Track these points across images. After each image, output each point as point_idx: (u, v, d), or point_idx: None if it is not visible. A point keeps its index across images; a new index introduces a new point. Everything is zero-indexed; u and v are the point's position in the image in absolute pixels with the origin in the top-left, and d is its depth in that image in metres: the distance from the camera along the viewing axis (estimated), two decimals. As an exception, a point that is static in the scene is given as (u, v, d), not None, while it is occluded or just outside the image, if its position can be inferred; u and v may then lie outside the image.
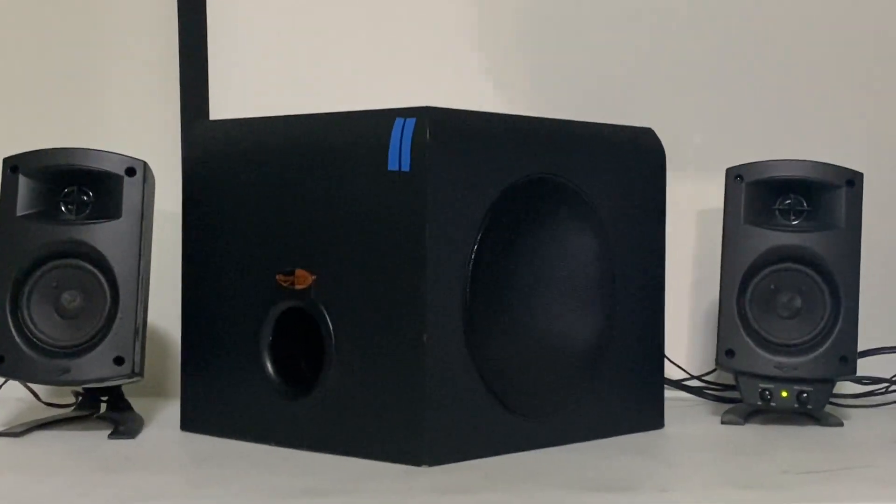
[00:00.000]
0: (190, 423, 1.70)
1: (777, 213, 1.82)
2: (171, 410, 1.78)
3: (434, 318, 1.49)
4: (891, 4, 2.07)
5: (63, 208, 1.67)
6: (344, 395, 1.55)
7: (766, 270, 1.80)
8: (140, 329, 1.64)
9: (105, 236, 1.64)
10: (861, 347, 1.81)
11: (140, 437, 1.67)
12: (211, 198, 1.68)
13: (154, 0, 1.99)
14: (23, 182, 1.65)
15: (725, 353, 1.79)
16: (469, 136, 1.54)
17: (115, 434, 1.66)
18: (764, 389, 1.79)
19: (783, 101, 2.07)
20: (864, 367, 1.90)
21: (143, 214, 1.65)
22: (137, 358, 1.63)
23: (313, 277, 1.58)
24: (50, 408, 1.76)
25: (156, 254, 1.69)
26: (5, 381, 1.72)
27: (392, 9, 2.03)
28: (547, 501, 1.37)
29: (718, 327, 1.80)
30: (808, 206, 1.81)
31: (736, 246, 1.80)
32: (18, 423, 1.70)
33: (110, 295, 1.64)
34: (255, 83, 2.00)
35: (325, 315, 1.56)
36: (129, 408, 1.73)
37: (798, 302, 1.80)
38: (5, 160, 1.66)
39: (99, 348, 1.63)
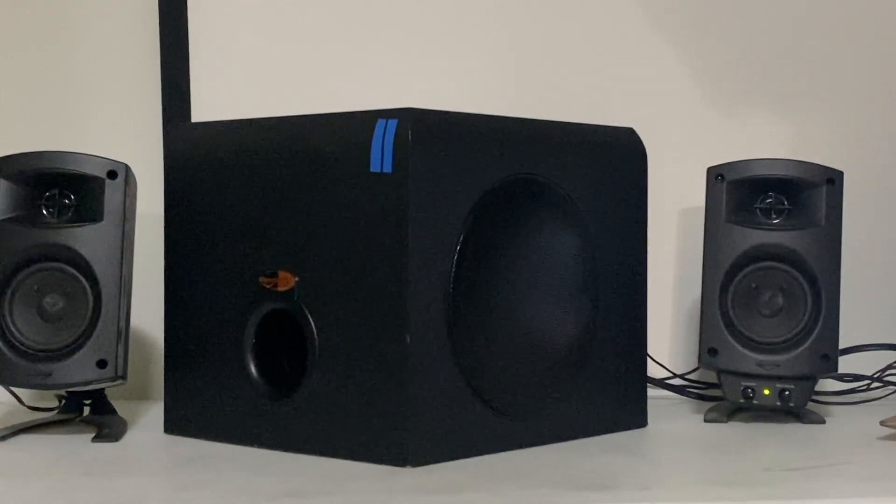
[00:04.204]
0: (173, 425, 1.70)
1: (758, 211, 1.82)
2: (155, 413, 1.77)
3: (417, 319, 1.49)
4: (871, 4, 2.08)
5: (44, 212, 1.67)
6: (327, 397, 1.55)
7: (748, 269, 1.80)
8: (123, 332, 1.64)
9: (87, 239, 1.64)
10: (842, 345, 1.82)
11: (124, 440, 1.67)
12: (193, 200, 1.68)
13: (135, 2, 1.99)
14: (3, 185, 1.65)
15: (708, 351, 1.80)
16: (451, 137, 1.54)
17: (99, 437, 1.65)
18: (746, 387, 1.80)
19: (764, 100, 2.07)
20: (846, 364, 1.91)
21: (125, 217, 1.64)
22: (120, 361, 1.63)
23: (296, 279, 1.58)
24: (33, 411, 1.76)
25: (138, 256, 1.69)
26: (-12, 386, 1.72)
27: (373, 10, 2.03)
28: (531, 500, 1.38)
29: (701, 326, 1.81)
30: (788, 204, 1.82)
31: (717, 245, 1.81)
32: (1, 427, 1.69)
33: (93, 298, 1.63)
34: (236, 85, 2.00)
35: (308, 317, 1.56)
36: (112, 411, 1.72)
37: (779, 300, 1.80)
38: (-14, 164, 1.66)
39: (82, 352, 1.62)
